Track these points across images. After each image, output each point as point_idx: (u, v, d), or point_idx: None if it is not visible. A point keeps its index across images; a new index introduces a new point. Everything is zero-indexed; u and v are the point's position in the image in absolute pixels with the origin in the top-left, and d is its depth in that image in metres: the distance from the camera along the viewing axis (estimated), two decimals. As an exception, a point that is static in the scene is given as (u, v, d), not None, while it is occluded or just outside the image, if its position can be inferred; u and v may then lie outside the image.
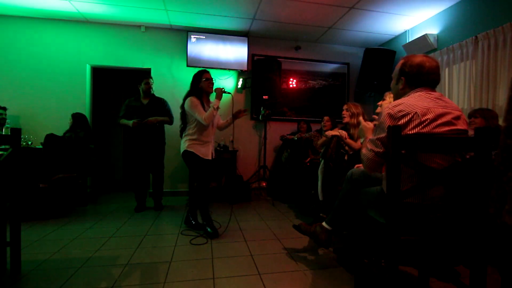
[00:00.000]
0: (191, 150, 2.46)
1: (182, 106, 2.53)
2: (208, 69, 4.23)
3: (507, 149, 0.54)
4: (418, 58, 1.29)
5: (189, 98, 2.44)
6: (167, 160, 3.76)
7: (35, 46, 3.91)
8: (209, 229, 2.48)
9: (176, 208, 3.48)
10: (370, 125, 1.53)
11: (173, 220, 2.94)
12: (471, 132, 1.19)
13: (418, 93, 1.25)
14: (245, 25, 4.09)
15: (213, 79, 2.59)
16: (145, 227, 2.70)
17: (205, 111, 2.45)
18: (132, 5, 3.54)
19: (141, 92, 3.35)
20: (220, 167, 4.31)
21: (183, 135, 2.57)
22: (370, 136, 1.34)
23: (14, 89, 3.83)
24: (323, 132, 3.57)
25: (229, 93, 2.57)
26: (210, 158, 2.54)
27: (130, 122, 3.21)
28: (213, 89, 2.53)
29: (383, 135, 1.19)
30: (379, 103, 2.29)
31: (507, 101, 0.56)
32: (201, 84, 2.50)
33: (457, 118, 1.21)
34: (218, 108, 2.44)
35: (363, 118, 2.71)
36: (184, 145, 2.52)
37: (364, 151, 1.31)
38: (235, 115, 2.59)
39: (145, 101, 3.34)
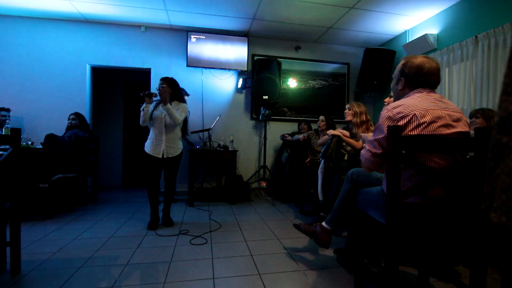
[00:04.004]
0: (145, 149, 2.73)
1: None
2: (208, 69, 4.30)
3: (497, 144, 0.53)
4: (418, 59, 1.28)
5: None
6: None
7: (35, 46, 3.91)
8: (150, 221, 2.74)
9: (176, 208, 3.48)
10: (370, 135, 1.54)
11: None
12: (472, 133, 1.19)
13: (417, 94, 1.25)
14: (245, 25, 4.09)
15: (161, 84, 2.68)
16: (145, 227, 2.70)
17: (159, 113, 2.68)
18: (132, 5, 3.54)
19: None
20: (219, 167, 4.32)
21: None
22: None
23: (14, 90, 3.84)
24: (319, 132, 3.57)
25: (140, 94, 2.69)
26: (160, 156, 2.67)
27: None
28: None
29: (381, 136, 1.20)
30: (386, 100, 2.26)
31: (500, 96, 0.55)
32: None
33: (457, 120, 1.20)
34: (143, 109, 2.63)
35: (366, 117, 2.69)
36: None
37: (362, 151, 1.33)
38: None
39: None
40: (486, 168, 0.56)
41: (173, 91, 2.72)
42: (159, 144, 2.68)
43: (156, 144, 2.68)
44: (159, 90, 2.65)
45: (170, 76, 2.78)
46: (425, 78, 1.26)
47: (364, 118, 2.67)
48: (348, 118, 2.72)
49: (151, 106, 2.67)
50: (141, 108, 2.63)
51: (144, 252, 2.11)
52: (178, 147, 2.77)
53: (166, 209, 2.84)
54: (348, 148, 2.73)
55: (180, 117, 2.67)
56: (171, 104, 2.66)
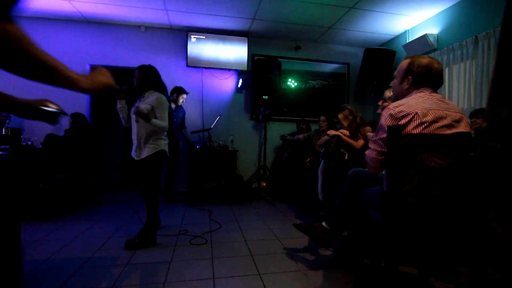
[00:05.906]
0: None
1: None
2: (208, 69, 4.30)
3: (489, 150, 0.52)
4: (426, 59, 1.30)
5: None
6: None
7: (35, 46, 3.91)
8: None
9: (176, 208, 3.48)
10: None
11: (172, 220, 2.94)
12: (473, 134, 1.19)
13: (420, 94, 1.26)
14: (245, 25, 4.09)
15: (134, 76, 2.36)
16: (145, 227, 2.69)
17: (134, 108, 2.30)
18: (132, 5, 3.54)
19: (172, 102, 3.66)
20: (219, 167, 4.31)
21: None
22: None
23: (14, 90, 3.82)
24: (320, 132, 3.57)
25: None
26: (136, 158, 2.29)
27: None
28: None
29: (384, 135, 1.20)
30: (380, 103, 2.27)
31: (487, 100, 0.54)
32: None
33: (458, 120, 1.21)
34: (119, 108, 2.36)
35: (358, 120, 2.67)
36: None
37: (367, 152, 1.32)
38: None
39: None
40: (476, 174, 0.55)
41: (146, 78, 2.30)
42: (133, 144, 2.34)
43: (133, 144, 2.35)
44: (135, 80, 2.34)
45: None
46: (433, 78, 1.27)
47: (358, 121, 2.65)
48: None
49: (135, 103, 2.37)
50: (117, 108, 2.36)
51: (144, 252, 2.11)
52: (152, 146, 2.24)
53: (145, 225, 2.28)
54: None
55: (165, 123, 2.25)
56: (144, 95, 2.32)
